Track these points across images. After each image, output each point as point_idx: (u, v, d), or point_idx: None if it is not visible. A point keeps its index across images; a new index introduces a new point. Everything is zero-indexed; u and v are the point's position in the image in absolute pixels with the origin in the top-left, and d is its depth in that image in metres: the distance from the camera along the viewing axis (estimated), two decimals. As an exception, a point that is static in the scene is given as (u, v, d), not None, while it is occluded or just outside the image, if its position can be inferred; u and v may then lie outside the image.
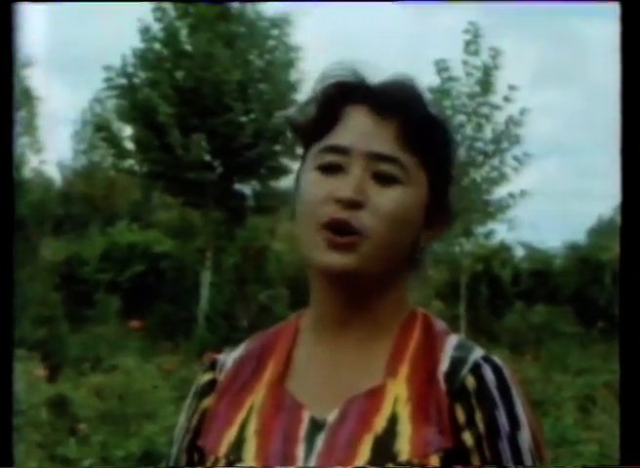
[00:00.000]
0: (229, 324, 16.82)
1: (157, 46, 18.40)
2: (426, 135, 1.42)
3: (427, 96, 1.48)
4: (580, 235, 32.81)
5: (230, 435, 1.43)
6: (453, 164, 1.49)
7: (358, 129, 1.41)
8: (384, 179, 1.39)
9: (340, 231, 1.37)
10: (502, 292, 19.90)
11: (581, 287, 19.68)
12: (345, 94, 1.44)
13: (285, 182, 18.17)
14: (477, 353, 1.39)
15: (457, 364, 1.37)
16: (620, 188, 1.64)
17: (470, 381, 1.35)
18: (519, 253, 21.94)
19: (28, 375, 8.73)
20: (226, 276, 18.36)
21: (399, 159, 1.39)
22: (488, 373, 1.36)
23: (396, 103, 1.42)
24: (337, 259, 1.36)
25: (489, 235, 18.08)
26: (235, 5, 18.25)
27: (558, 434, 8.02)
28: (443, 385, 1.36)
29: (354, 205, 1.36)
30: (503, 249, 21.00)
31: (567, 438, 7.96)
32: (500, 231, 18.38)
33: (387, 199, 1.38)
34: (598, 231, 29.25)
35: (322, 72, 1.49)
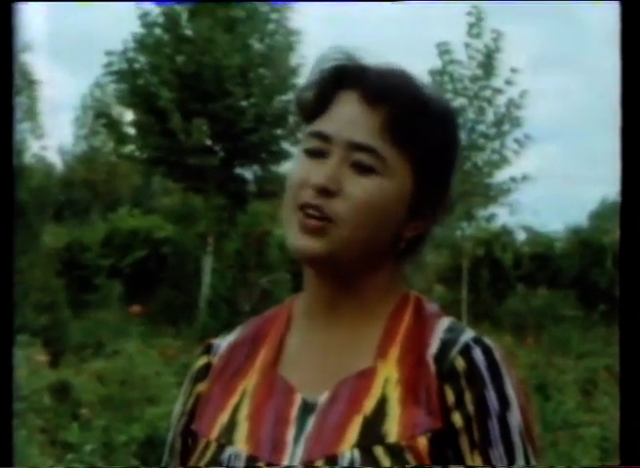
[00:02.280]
0: (231, 309, 16.84)
1: (157, 31, 18.37)
2: (413, 127, 1.41)
3: (424, 86, 1.45)
4: (581, 218, 32.79)
5: (222, 419, 1.44)
6: (449, 155, 1.47)
7: (344, 116, 1.41)
8: (362, 169, 1.39)
9: (311, 216, 1.38)
10: (504, 276, 19.90)
11: (583, 270, 19.68)
12: (340, 78, 1.45)
13: (286, 167, 18.16)
14: (468, 335, 1.39)
15: (446, 345, 1.37)
16: (620, 172, 1.64)
17: (460, 363, 1.35)
18: (520, 236, 21.94)
19: (30, 361, 8.75)
20: (228, 261, 18.38)
21: (377, 150, 1.39)
22: (478, 354, 1.36)
23: (386, 92, 1.41)
24: (307, 242, 1.37)
25: (490, 219, 18.12)
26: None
27: (560, 417, 8.04)
28: (432, 367, 1.36)
29: (326, 192, 1.37)
30: (505, 232, 20.99)
31: (569, 421, 7.98)
32: (502, 215, 18.43)
33: (361, 188, 1.38)
34: (599, 214, 29.22)
35: (321, 55, 1.49)
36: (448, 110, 1.48)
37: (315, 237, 1.37)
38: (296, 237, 1.39)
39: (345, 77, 1.44)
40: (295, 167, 1.45)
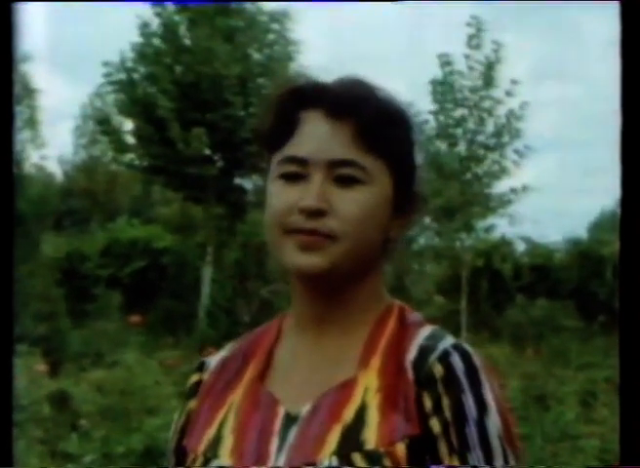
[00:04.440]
0: (230, 319, 16.85)
1: (156, 41, 18.39)
2: (383, 132, 1.43)
3: (381, 90, 1.47)
4: (580, 229, 32.83)
5: (210, 433, 1.46)
6: (415, 152, 1.50)
7: (314, 136, 1.42)
8: (346, 182, 1.41)
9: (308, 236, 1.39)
10: (503, 287, 19.90)
11: (582, 281, 19.68)
12: (299, 99, 1.46)
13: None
14: (447, 341, 1.40)
15: (424, 352, 1.38)
16: (620, 183, 1.64)
17: (438, 369, 1.36)
18: (520, 247, 21.95)
19: (29, 371, 8.75)
20: (227, 271, 18.39)
21: (357, 161, 1.41)
22: (456, 360, 1.36)
23: (348, 103, 1.42)
24: (307, 260, 1.39)
25: (490, 229, 18.11)
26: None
27: (560, 428, 8.02)
28: (410, 374, 1.37)
29: (318, 213, 1.38)
30: (504, 243, 20.99)
31: (568, 433, 7.96)
32: (501, 226, 18.41)
33: (350, 202, 1.40)
34: (599, 226, 29.24)
35: (274, 84, 1.52)
36: (403, 108, 1.50)
37: (314, 253, 1.38)
38: (294, 256, 1.39)
39: (304, 97, 1.45)
40: (271, 193, 1.44)
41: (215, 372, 1.54)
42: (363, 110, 1.42)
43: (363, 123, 1.41)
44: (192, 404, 1.54)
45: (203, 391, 1.53)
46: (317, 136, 1.42)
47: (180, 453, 1.51)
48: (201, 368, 1.58)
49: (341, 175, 1.40)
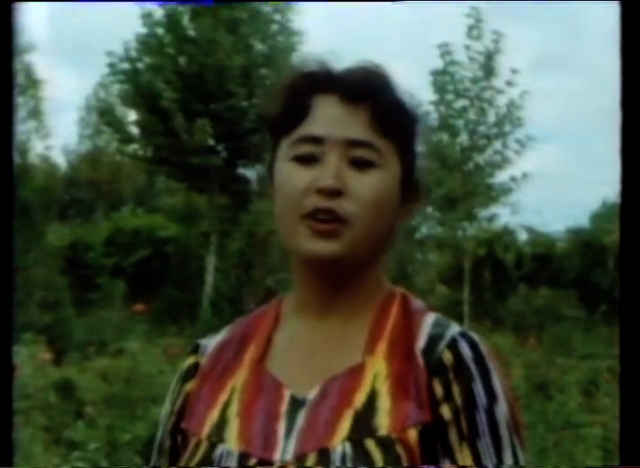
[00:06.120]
0: (234, 308, 16.86)
1: (160, 31, 18.38)
2: (396, 117, 1.44)
3: (391, 76, 1.48)
4: (582, 219, 32.71)
5: (213, 417, 1.46)
6: (419, 140, 1.51)
7: (330, 117, 1.42)
8: (361, 165, 1.41)
9: (323, 220, 1.39)
10: (506, 276, 19.91)
11: (584, 270, 19.67)
12: (312, 84, 1.45)
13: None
14: (454, 329, 1.42)
15: (434, 340, 1.40)
16: (620, 172, 1.66)
17: (447, 356, 1.38)
18: (522, 236, 21.94)
19: (34, 359, 8.77)
20: (231, 260, 18.40)
21: (373, 143, 1.41)
22: (464, 348, 1.38)
23: (365, 89, 1.43)
24: (323, 247, 1.39)
25: (492, 219, 18.11)
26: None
27: (562, 417, 8.04)
28: (421, 361, 1.38)
29: (336, 193, 1.38)
30: (506, 232, 20.99)
31: (571, 421, 7.98)
32: (504, 215, 18.43)
33: (366, 184, 1.40)
34: (600, 215, 29.13)
35: (288, 66, 1.52)
36: (408, 95, 1.50)
37: (330, 240, 1.38)
38: (308, 242, 1.40)
39: (317, 82, 1.45)
40: (284, 177, 1.44)
41: (212, 356, 1.54)
42: (380, 95, 1.43)
43: (380, 107, 1.42)
44: (190, 386, 1.54)
45: (201, 374, 1.53)
46: (333, 118, 1.42)
47: (179, 436, 1.51)
48: (196, 350, 1.57)
49: (357, 158, 1.41)
